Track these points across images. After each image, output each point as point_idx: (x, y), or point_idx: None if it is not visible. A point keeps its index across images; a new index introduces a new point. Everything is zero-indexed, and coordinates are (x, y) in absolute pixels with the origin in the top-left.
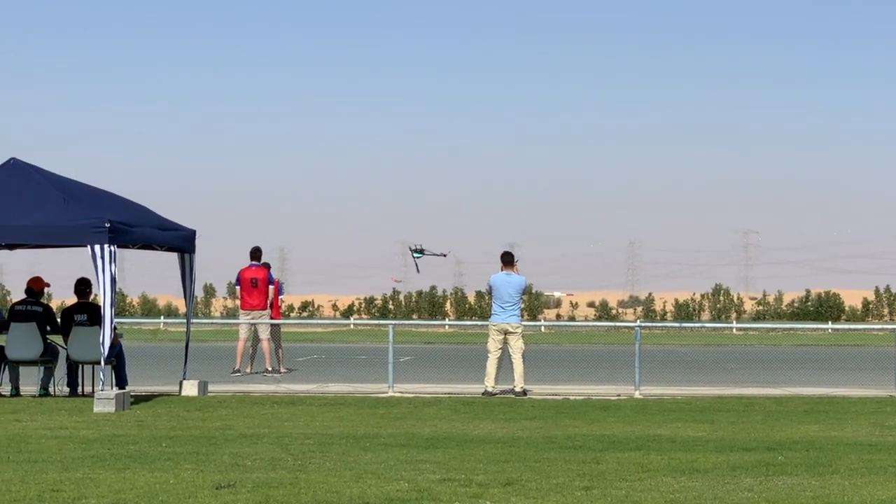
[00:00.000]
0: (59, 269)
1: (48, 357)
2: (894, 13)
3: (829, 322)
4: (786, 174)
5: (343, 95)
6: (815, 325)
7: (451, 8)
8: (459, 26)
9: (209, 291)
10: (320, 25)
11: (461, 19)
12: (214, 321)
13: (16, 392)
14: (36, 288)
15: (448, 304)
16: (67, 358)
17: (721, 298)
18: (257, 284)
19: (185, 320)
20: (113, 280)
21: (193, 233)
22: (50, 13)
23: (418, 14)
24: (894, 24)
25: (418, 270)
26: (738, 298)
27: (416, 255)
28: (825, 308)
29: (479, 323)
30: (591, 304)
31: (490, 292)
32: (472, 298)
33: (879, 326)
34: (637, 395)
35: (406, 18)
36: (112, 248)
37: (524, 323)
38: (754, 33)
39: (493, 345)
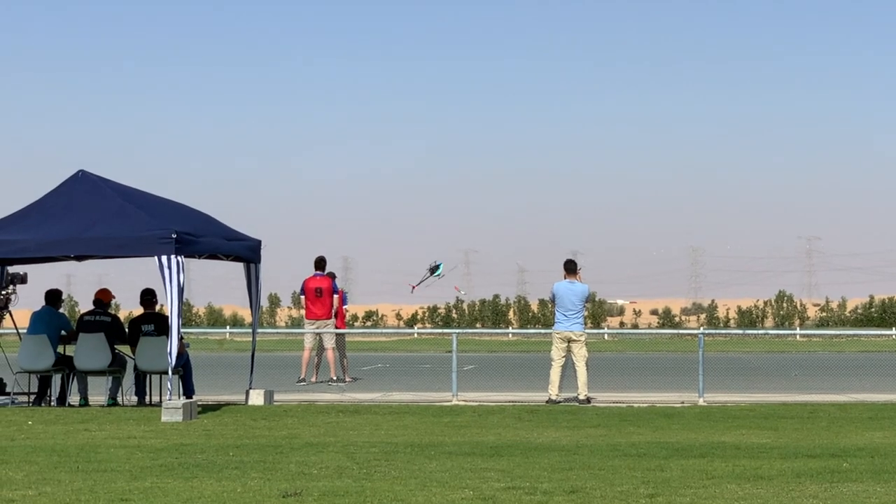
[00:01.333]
0: (128, 280)
1: (116, 367)
2: None
3: (894, 328)
4: (849, 180)
5: (406, 104)
6: (878, 332)
7: (516, 15)
8: (526, 36)
9: (274, 301)
10: (384, 36)
11: (529, 28)
12: (279, 331)
13: (85, 402)
14: (104, 299)
15: (511, 313)
16: (135, 368)
17: (784, 305)
18: (322, 294)
19: (250, 330)
20: (180, 290)
21: (259, 243)
22: (115, 29)
23: (481, 25)
24: None
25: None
26: (802, 305)
27: (434, 273)
28: (889, 314)
29: (543, 331)
30: (654, 312)
31: (553, 300)
32: (535, 307)
33: None
34: (701, 402)
35: (470, 28)
36: (179, 258)
37: (587, 331)
38: (819, 40)
39: (557, 353)
